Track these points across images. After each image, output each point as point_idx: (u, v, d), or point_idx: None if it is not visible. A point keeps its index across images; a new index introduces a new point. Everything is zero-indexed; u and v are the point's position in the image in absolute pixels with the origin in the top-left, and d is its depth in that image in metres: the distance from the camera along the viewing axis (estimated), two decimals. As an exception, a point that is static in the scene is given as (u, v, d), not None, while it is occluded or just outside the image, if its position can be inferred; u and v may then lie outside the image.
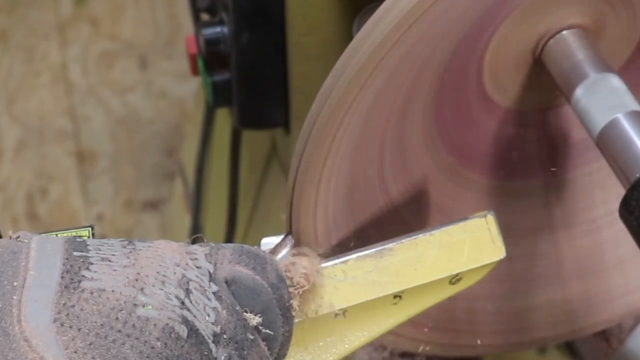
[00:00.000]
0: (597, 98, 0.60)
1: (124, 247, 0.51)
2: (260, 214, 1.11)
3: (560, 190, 0.72)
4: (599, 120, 0.59)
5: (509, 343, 0.75)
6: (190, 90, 1.88)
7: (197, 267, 0.52)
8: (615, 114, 0.59)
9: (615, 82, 0.61)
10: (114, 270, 0.49)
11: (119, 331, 0.47)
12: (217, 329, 0.50)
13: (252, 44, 0.88)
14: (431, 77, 0.61)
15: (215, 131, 1.20)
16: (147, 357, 0.47)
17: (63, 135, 1.94)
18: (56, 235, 0.53)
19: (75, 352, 0.46)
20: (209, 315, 0.50)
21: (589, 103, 0.60)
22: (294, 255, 0.59)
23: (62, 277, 0.48)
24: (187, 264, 0.51)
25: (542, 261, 0.73)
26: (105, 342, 0.47)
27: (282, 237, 0.61)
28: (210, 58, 0.91)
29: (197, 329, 0.49)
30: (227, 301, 0.51)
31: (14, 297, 0.47)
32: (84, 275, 0.49)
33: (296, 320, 0.56)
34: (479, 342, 0.73)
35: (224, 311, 0.51)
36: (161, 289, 0.49)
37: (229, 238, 1.13)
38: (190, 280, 0.51)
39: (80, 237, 0.53)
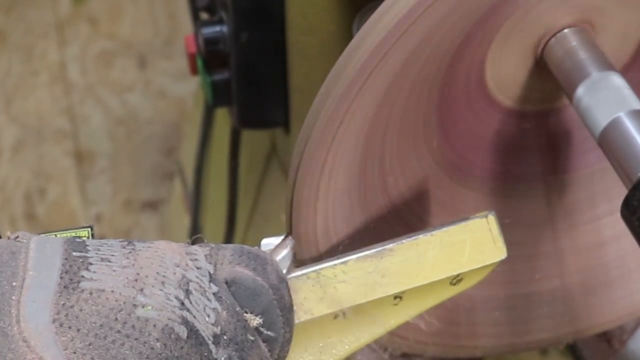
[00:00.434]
0: (599, 97, 0.60)
1: (124, 248, 0.51)
2: (259, 214, 1.11)
3: (561, 189, 0.71)
4: (601, 120, 0.59)
5: (510, 344, 0.75)
6: (189, 89, 1.88)
7: (197, 268, 0.51)
8: (618, 113, 0.59)
9: (617, 80, 0.61)
10: (114, 270, 0.49)
11: (119, 332, 0.47)
12: (217, 330, 0.50)
13: (251, 44, 0.88)
14: (432, 76, 0.61)
15: (214, 131, 1.20)
16: (147, 358, 0.47)
17: (61, 135, 1.93)
18: (55, 235, 0.53)
19: (75, 352, 0.46)
20: (209, 316, 0.50)
21: (590, 102, 0.60)
22: None
23: (61, 278, 0.48)
24: (187, 265, 0.51)
25: (544, 261, 0.73)
26: (104, 343, 0.47)
27: (282, 237, 0.61)
28: (209, 57, 0.91)
29: (197, 330, 0.49)
30: (228, 302, 0.51)
31: (13, 298, 0.47)
32: (83, 276, 0.48)
33: (296, 321, 0.56)
34: (479, 343, 0.73)
35: (224, 312, 0.51)
36: (161, 290, 0.49)
37: (229, 238, 1.13)
38: (190, 280, 0.50)
39: (79, 237, 0.53)
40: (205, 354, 0.49)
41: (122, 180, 1.88)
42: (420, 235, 0.59)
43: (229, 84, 0.91)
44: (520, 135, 0.69)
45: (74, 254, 0.50)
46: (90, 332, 0.47)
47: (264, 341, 0.53)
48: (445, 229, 0.60)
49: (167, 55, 2.03)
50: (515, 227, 0.70)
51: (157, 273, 0.50)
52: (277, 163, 1.07)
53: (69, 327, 0.47)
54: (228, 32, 0.88)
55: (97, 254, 0.50)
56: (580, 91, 0.61)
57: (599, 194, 0.72)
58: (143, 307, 0.48)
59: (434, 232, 0.59)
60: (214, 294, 0.51)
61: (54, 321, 0.47)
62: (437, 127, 0.65)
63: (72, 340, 0.46)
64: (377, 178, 0.64)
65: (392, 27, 0.53)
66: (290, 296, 0.55)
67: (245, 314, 0.52)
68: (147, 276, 0.49)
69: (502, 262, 0.61)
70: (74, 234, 0.54)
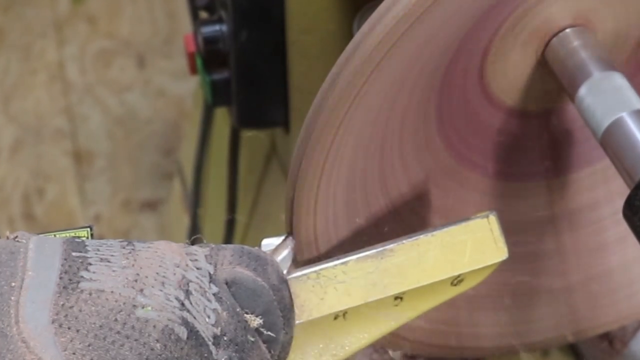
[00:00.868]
0: (601, 97, 0.60)
1: (123, 248, 0.51)
2: (259, 214, 1.11)
3: (563, 190, 0.71)
4: (603, 120, 0.59)
5: (512, 345, 0.75)
6: (188, 89, 1.88)
7: (197, 268, 0.51)
8: (620, 113, 0.59)
9: (619, 81, 0.60)
10: (113, 271, 0.49)
11: (118, 332, 0.47)
12: (218, 331, 0.50)
13: (251, 43, 0.88)
14: (433, 76, 0.61)
15: (214, 130, 1.20)
16: (147, 359, 0.47)
17: (60, 135, 1.93)
18: (54, 235, 0.53)
19: (74, 353, 0.46)
20: (209, 317, 0.50)
21: (592, 102, 0.60)
22: None
23: (60, 278, 0.48)
24: (187, 265, 0.51)
25: (546, 262, 0.73)
26: (104, 344, 0.46)
27: (283, 238, 0.60)
28: (208, 57, 0.90)
29: (197, 331, 0.49)
30: (228, 303, 0.51)
31: (12, 298, 0.47)
32: (82, 276, 0.48)
33: (297, 321, 0.55)
34: (480, 344, 0.73)
35: (225, 313, 0.51)
36: (161, 290, 0.49)
37: (228, 238, 1.13)
38: (190, 281, 0.50)
39: (78, 237, 0.53)
40: (206, 354, 0.49)
41: (121, 180, 1.88)
42: (421, 236, 0.59)
43: (229, 83, 0.91)
44: (522, 135, 0.68)
45: (74, 254, 0.49)
46: (89, 333, 0.46)
47: (264, 342, 0.53)
48: (446, 229, 0.59)
49: (166, 54, 2.03)
50: (517, 227, 0.70)
51: (157, 273, 0.50)
52: (277, 163, 1.06)
53: (69, 328, 0.46)
54: (227, 31, 0.88)
55: (96, 254, 0.50)
56: (583, 91, 0.61)
57: (602, 194, 0.72)
58: (143, 307, 0.48)
59: (434, 233, 0.59)
60: (214, 294, 0.51)
61: (53, 322, 0.47)
62: (437, 126, 0.65)
63: (71, 340, 0.46)
64: (377, 178, 0.64)
65: (392, 27, 0.53)
66: (290, 297, 0.54)
67: (245, 315, 0.52)
68: (147, 277, 0.49)
69: (503, 263, 0.61)
70: (73, 234, 0.54)
